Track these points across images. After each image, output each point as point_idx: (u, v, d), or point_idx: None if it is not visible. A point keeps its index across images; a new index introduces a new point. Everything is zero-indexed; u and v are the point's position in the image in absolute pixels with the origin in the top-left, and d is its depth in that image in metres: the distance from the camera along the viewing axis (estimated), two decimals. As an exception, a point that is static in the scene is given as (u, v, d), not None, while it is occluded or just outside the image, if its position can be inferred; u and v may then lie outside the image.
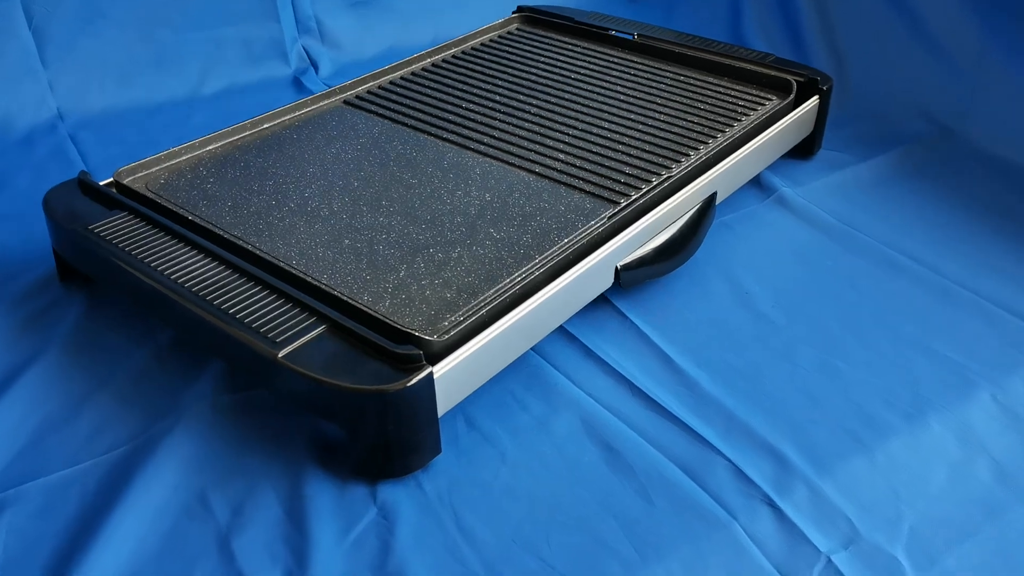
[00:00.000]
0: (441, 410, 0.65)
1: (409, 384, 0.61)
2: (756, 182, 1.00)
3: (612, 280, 0.79)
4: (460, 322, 0.67)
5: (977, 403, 0.72)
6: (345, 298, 0.68)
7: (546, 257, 0.75)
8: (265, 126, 0.95)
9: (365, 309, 0.67)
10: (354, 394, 0.61)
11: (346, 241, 0.77)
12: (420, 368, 0.62)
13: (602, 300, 0.82)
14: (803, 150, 1.05)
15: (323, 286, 0.70)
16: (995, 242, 0.90)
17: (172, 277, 0.70)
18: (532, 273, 0.72)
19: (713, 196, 0.88)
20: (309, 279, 0.70)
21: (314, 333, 0.65)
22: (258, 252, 0.74)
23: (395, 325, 0.65)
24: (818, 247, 0.90)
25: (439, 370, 0.63)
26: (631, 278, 0.80)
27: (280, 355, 0.63)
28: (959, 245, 0.90)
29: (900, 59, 1.16)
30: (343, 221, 0.79)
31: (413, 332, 0.64)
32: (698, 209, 0.86)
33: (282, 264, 0.72)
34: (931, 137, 1.08)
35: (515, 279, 0.72)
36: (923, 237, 0.91)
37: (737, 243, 0.91)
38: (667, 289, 0.84)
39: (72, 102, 1.13)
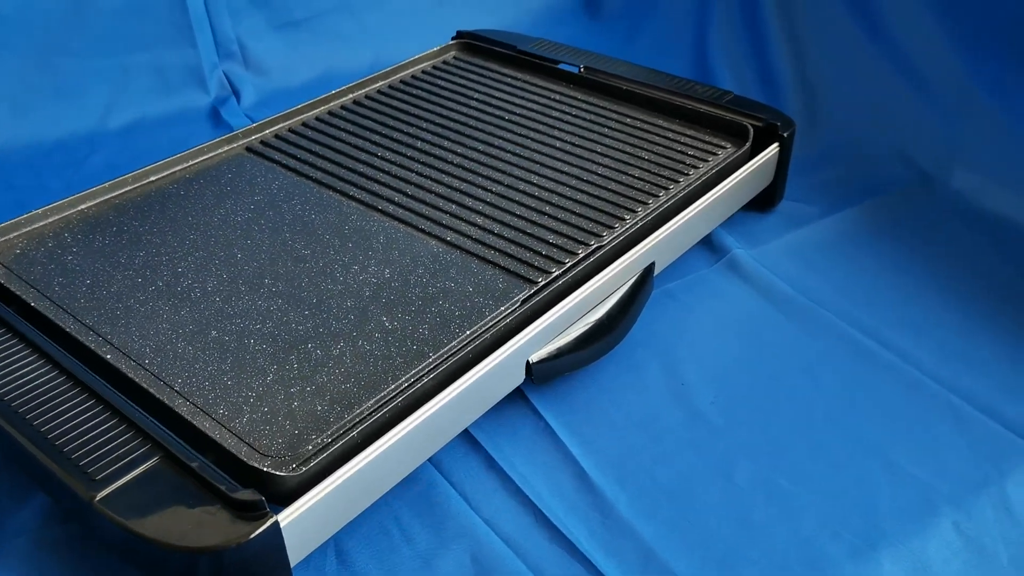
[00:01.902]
0: (298, 557, 0.55)
1: (248, 539, 0.51)
2: (707, 240, 0.89)
3: (523, 376, 0.68)
4: (327, 445, 0.57)
5: (938, 534, 0.61)
6: (188, 417, 0.58)
7: (442, 355, 0.64)
8: (151, 179, 0.84)
9: (209, 434, 0.57)
10: (179, 552, 0.51)
11: (213, 332, 0.66)
12: (263, 518, 0.52)
13: (516, 391, 0.71)
14: (762, 201, 0.94)
15: (165, 400, 0.59)
16: (974, 323, 0.79)
17: (-8, 386, 0.60)
18: (423, 378, 0.62)
19: (651, 267, 0.78)
20: (153, 391, 0.60)
21: (144, 467, 0.54)
22: (103, 351, 0.63)
23: (240, 458, 0.55)
24: (770, 325, 0.79)
25: (292, 513, 0.53)
26: (546, 373, 0.69)
27: (97, 498, 0.52)
28: (932, 327, 0.79)
29: (878, 95, 1.04)
30: (215, 305, 0.69)
31: (262, 468, 0.54)
32: (631, 286, 0.75)
33: (126, 368, 0.62)
34: (908, 185, 0.97)
35: (401, 385, 0.62)
36: (891, 315, 0.80)
37: (679, 317, 0.80)
38: (593, 377, 0.74)
39: (-40, 138, 1.02)
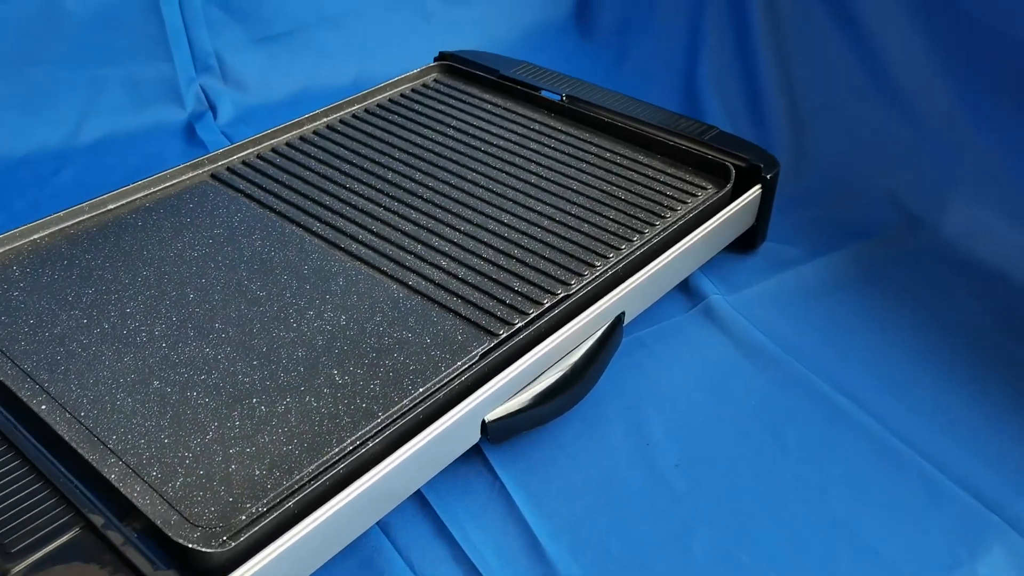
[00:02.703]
0: (225, 635, 0.52)
1: (166, 622, 0.48)
2: (683, 283, 0.86)
3: (478, 436, 0.66)
4: (262, 516, 0.54)
5: (903, 622, 0.59)
6: (117, 483, 0.55)
7: (391, 415, 0.62)
8: (108, 208, 0.81)
9: (137, 502, 0.54)
10: (93, 636, 0.48)
11: (156, 383, 0.64)
12: (183, 600, 0.49)
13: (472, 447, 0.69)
14: (744, 242, 0.91)
15: (94, 463, 0.56)
16: (954, 383, 0.76)
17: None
18: (369, 441, 0.59)
19: (621, 317, 0.75)
20: (84, 451, 0.57)
21: (64, 539, 0.52)
22: (38, 403, 0.61)
23: (166, 532, 0.52)
24: (743, 380, 0.76)
25: (219, 591, 0.51)
26: (503, 433, 0.67)
27: (12, 572, 0.50)
28: (910, 385, 0.76)
29: (869, 130, 1.01)
30: (160, 352, 0.66)
31: (188, 544, 0.51)
32: (598, 339, 0.73)
33: (59, 424, 0.59)
34: (896, 228, 0.94)
35: (345, 449, 0.59)
36: (868, 371, 0.77)
37: (648, 369, 0.77)
38: (553, 434, 0.71)
39: (-76, 151, 1.00)
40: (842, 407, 0.74)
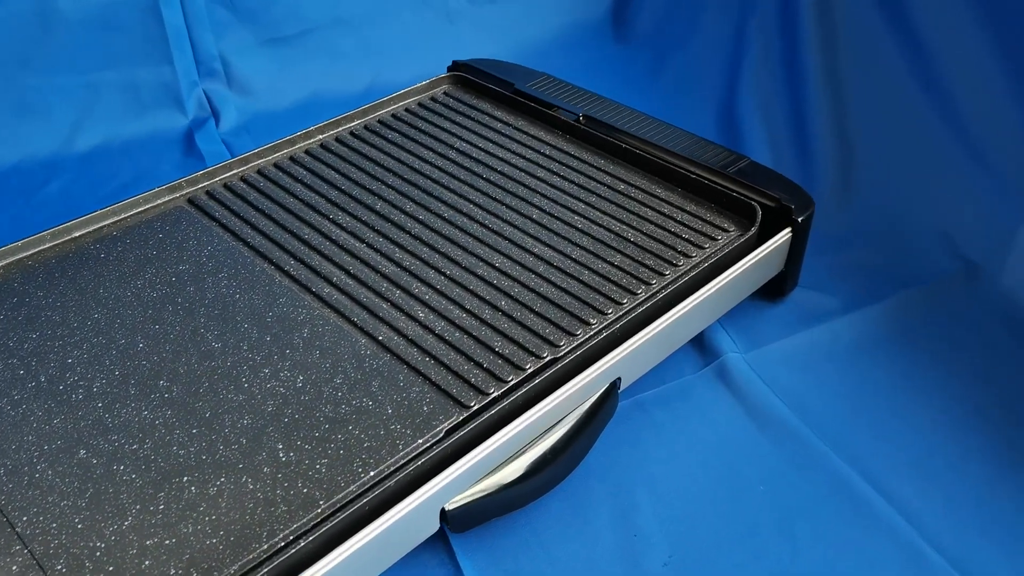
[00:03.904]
0: None
1: None
2: (697, 335, 0.77)
3: (436, 525, 0.58)
4: (169, 626, 0.48)
5: None
6: (13, 580, 0.50)
7: (334, 505, 0.54)
8: (73, 235, 0.76)
9: (29, 608, 0.48)
10: None
11: (82, 452, 0.58)
12: None
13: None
14: (771, 288, 0.81)
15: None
16: (999, 472, 0.66)
17: None
18: (302, 538, 0.52)
19: (615, 384, 0.66)
20: (-16, 536, 0.52)
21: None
22: (-51, 472, 0.56)
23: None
24: (754, 459, 0.67)
25: None
26: (466, 522, 0.59)
27: None
28: (955, 477, 0.65)
29: (926, 162, 0.89)
30: (94, 414, 0.60)
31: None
32: (586, 412, 0.64)
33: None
34: (949, 277, 0.83)
35: (276, 545, 0.52)
36: (906, 455, 0.67)
37: (646, 440, 0.69)
38: (528, 518, 0.63)
39: (-88, 158, 0.96)
40: (867, 499, 0.64)
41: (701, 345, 0.77)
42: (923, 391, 0.73)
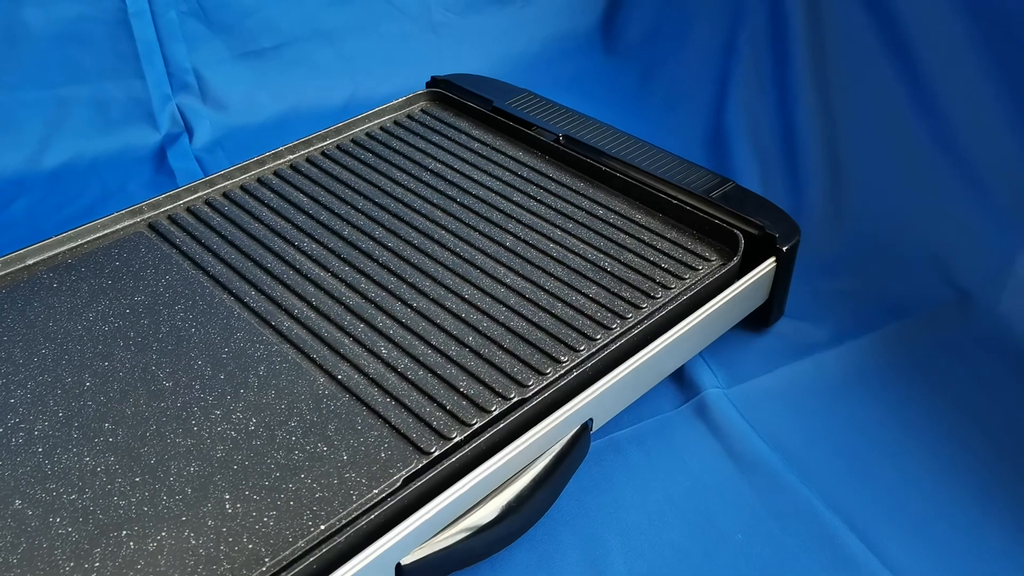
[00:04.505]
0: None
1: None
2: (677, 369, 0.74)
3: (393, 580, 0.55)
4: None
5: None
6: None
7: (280, 562, 0.51)
8: (26, 263, 0.73)
9: None
10: None
11: (18, 502, 0.54)
12: None
13: (398, 582, 0.58)
14: (755, 318, 0.77)
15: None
16: (988, 520, 0.62)
17: None
18: (245, 597, 0.49)
19: (586, 425, 0.63)
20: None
21: None
22: None
23: None
24: (733, 505, 0.64)
25: None
26: (424, 576, 0.56)
27: None
28: (948, 528, 0.62)
29: (920, 185, 0.86)
30: (34, 460, 0.57)
31: None
32: (554, 457, 0.61)
33: None
34: (943, 306, 0.79)
35: (217, 607, 0.49)
36: (895, 502, 0.64)
37: (619, 484, 0.65)
38: (493, 569, 0.60)
39: None
40: (852, 551, 0.60)
41: (681, 379, 0.73)
42: (911, 428, 0.69)
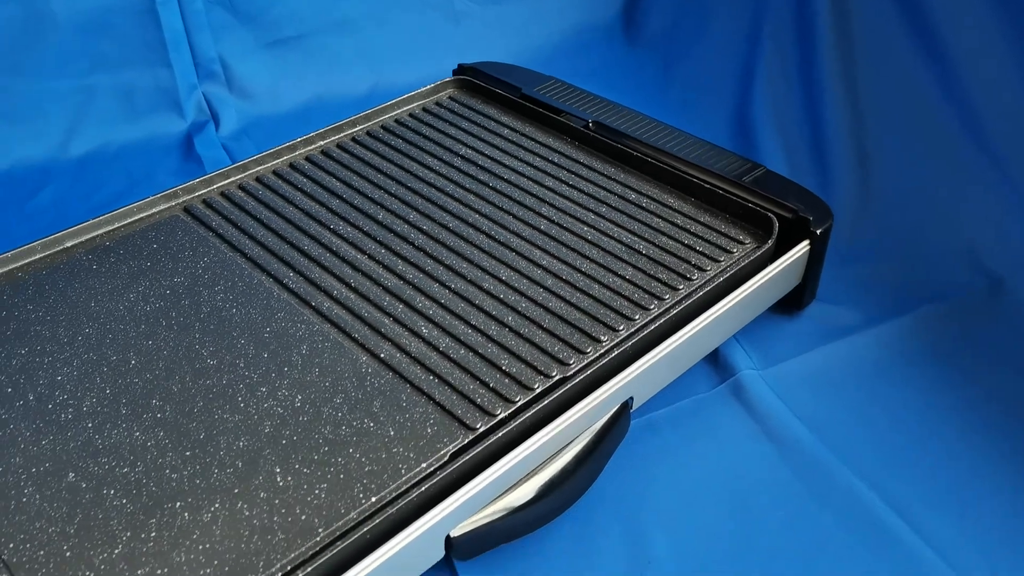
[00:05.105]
0: None
1: None
2: (712, 351, 0.74)
3: (441, 552, 0.56)
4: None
5: None
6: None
7: (333, 533, 0.52)
8: (65, 245, 0.73)
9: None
10: None
11: (71, 475, 0.55)
12: None
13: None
14: (787, 302, 0.78)
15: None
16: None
17: None
18: (300, 568, 0.49)
19: (627, 404, 0.64)
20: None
21: None
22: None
23: None
24: (772, 484, 0.64)
25: None
26: (472, 549, 0.56)
27: None
28: (988, 504, 0.62)
29: (949, 173, 0.86)
30: (84, 435, 0.57)
31: None
32: (597, 432, 0.61)
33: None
34: (975, 292, 0.80)
35: (275, 574, 0.50)
36: (929, 480, 0.64)
37: (657, 464, 0.66)
38: (535, 543, 0.60)
39: (-97, 163, 0.93)
40: (892, 529, 0.61)
41: (716, 361, 0.74)
42: (948, 411, 0.70)
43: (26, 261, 0.71)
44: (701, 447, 0.67)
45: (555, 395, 0.60)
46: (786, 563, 0.59)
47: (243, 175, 0.82)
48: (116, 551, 0.51)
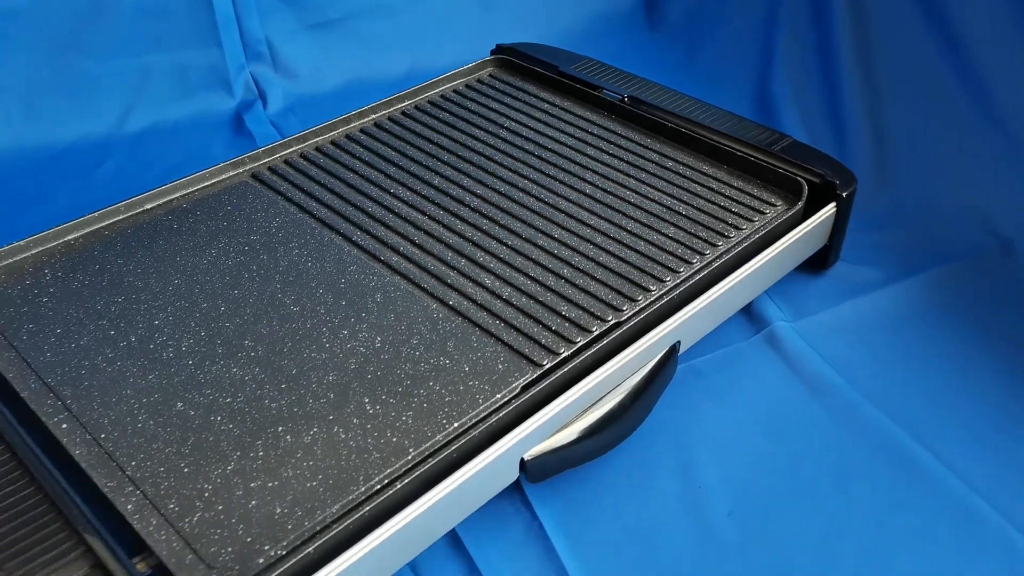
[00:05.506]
0: None
1: None
2: (746, 306, 0.80)
3: (516, 474, 0.61)
4: (279, 560, 0.51)
5: None
6: (133, 518, 0.52)
7: (423, 452, 0.57)
8: (145, 207, 0.79)
9: (151, 540, 0.51)
10: None
11: (179, 404, 0.60)
12: (189, 657, 0.46)
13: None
14: (813, 262, 0.84)
15: (110, 494, 0.54)
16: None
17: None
18: (398, 480, 0.55)
19: (675, 347, 0.70)
20: (101, 481, 0.54)
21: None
22: (58, 421, 0.58)
23: (176, 574, 0.49)
24: (807, 420, 0.70)
25: (228, 645, 0.47)
26: (543, 472, 0.62)
27: (15, 614, 0.47)
28: (998, 435, 0.69)
29: (960, 143, 0.93)
30: (186, 370, 0.63)
31: (197, 592, 0.48)
32: (650, 371, 0.67)
33: (78, 447, 0.56)
34: (986, 254, 0.86)
35: (373, 488, 0.55)
36: (953, 418, 0.70)
37: (703, 403, 0.72)
38: (596, 472, 0.66)
39: (-29, 137, 0.98)
40: (918, 458, 0.67)
41: (751, 314, 0.80)
42: (967, 358, 0.76)
43: (111, 221, 0.77)
44: (742, 389, 0.73)
45: (611, 337, 0.66)
46: (824, 488, 0.65)
47: (303, 145, 0.88)
48: (229, 467, 0.56)
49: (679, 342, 0.70)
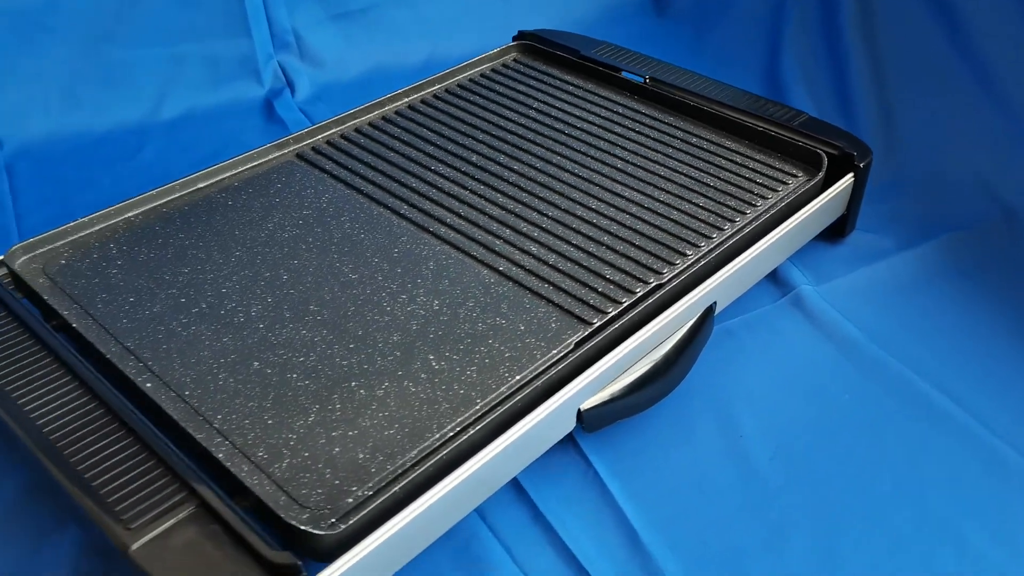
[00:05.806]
0: (332, 617, 0.53)
1: (282, 605, 0.49)
2: (771, 272, 0.85)
3: (573, 423, 0.65)
4: (368, 499, 0.55)
5: (1012, 627, 0.57)
6: (227, 463, 0.56)
7: (489, 403, 0.61)
8: (199, 186, 0.82)
9: (246, 482, 0.55)
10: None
11: (256, 363, 0.64)
12: (298, 583, 0.50)
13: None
14: (832, 231, 0.89)
15: (203, 442, 0.57)
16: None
17: (27, 411, 0.59)
18: (469, 428, 0.59)
19: (711, 307, 0.74)
20: (192, 430, 0.58)
21: (180, 517, 0.53)
22: (143, 380, 0.62)
23: (277, 512, 0.53)
24: (836, 374, 0.75)
25: (329, 574, 0.51)
26: (598, 421, 0.66)
27: (132, 547, 0.51)
28: (1017, 385, 0.74)
29: (963, 119, 0.98)
30: (258, 333, 0.67)
31: (299, 525, 0.52)
32: (690, 329, 0.72)
33: (166, 402, 0.60)
34: (992, 221, 0.91)
35: (446, 435, 0.59)
36: (972, 369, 0.75)
37: (738, 361, 0.76)
38: (645, 423, 0.70)
39: (11, 126, 1.01)
40: (942, 408, 0.72)
41: (775, 279, 0.84)
42: (979, 319, 0.81)
43: (168, 199, 0.80)
44: (773, 348, 0.77)
45: (654, 297, 0.70)
46: (856, 436, 0.70)
47: (343, 127, 0.91)
48: (310, 419, 0.60)
49: (715, 303, 0.74)
